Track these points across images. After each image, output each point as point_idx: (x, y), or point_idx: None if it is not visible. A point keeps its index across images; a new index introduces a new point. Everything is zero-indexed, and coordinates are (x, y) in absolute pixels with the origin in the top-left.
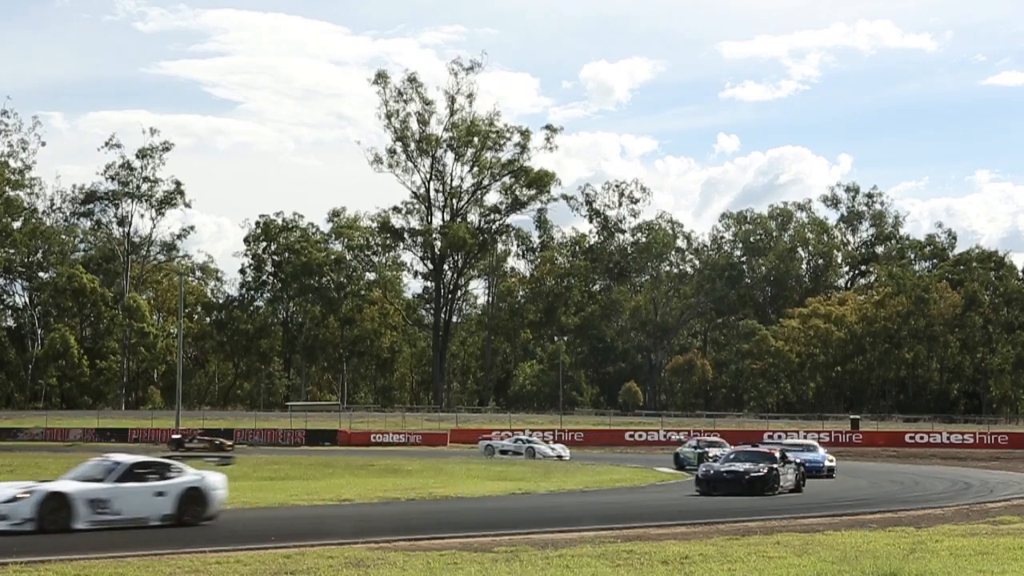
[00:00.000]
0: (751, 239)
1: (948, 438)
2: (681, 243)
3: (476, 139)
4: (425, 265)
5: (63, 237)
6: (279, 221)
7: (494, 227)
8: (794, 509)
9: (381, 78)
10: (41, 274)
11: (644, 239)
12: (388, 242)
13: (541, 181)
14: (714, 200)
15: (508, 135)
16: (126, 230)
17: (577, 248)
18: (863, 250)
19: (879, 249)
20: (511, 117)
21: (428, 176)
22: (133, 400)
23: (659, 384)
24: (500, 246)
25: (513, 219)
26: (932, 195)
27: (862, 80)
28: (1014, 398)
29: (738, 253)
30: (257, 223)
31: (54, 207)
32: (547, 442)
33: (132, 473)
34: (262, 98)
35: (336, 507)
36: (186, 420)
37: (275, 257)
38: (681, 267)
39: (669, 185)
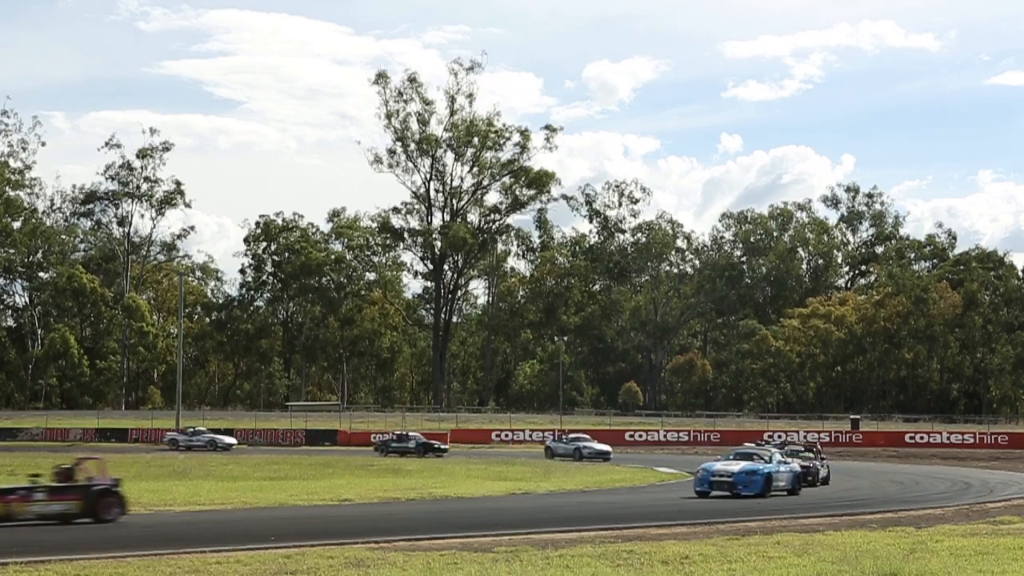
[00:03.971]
0: (751, 239)
1: (948, 438)
2: (681, 243)
3: (476, 139)
4: (425, 265)
5: (63, 237)
6: (279, 221)
7: (494, 227)
8: (794, 509)
9: (381, 78)
10: (41, 274)
11: (644, 239)
12: (388, 242)
13: (541, 181)
14: (716, 200)
15: (508, 135)
16: (126, 230)
17: (577, 248)
18: (863, 250)
19: (879, 249)
20: (514, 117)
21: (428, 176)
22: (133, 400)
23: (659, 384)
24: (500, 246)
25: (513, 219)
26: (935, 195)
27: (865, 80)
28: (1014, 398)
29: (738, 253)
30: (257, 223)
31: (54, 207)
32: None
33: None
34: (264, 98)
35: (336, 507)
36: (186, 420)
37: (275, 257)
38: (681, 267)
39: (672, 185)
